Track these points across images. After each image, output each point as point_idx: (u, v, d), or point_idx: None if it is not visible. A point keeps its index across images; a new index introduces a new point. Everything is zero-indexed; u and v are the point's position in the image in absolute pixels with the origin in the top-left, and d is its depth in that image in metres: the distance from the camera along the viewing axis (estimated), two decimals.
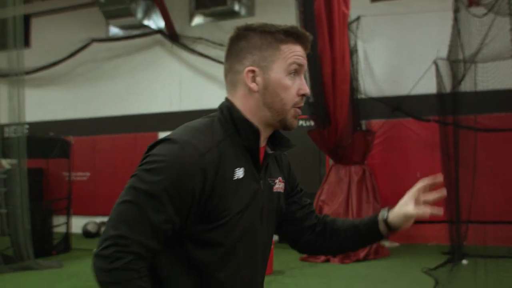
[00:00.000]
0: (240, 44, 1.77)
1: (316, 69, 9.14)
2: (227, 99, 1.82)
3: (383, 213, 1.94)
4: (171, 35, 13.39)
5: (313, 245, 2.05)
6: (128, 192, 1.61)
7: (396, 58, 11.38)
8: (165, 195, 1.57)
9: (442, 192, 1.80)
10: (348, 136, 9.57)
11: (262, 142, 1.82)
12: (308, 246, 2.07)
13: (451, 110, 9.33)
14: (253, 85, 1.75)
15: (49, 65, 14.26)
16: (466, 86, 9.00)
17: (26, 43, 14.28)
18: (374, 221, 1.95)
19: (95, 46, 14.06)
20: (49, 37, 14.94)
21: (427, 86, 10.26)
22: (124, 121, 13.94)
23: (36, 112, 13.90)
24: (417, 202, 1.88)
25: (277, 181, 1.90)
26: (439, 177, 1.79)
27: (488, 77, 8.84)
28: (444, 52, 9.73)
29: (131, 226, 1.55)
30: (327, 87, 9.16)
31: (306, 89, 1.80)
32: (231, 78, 1.81)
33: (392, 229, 1.93)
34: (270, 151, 1.85)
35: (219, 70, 13.38)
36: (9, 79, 9.84)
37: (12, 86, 9.72)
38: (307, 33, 1.80)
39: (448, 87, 9.59)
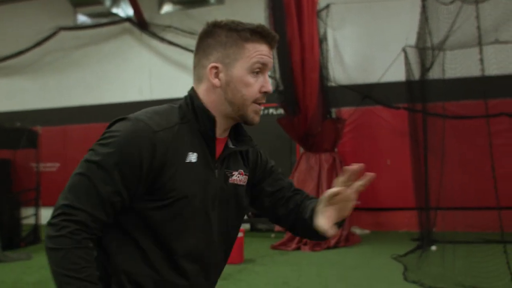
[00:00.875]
0: (208, 40, 1.83)
1: (285, 57, 9.11)
2: (192, 88, 1.89)
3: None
4: (140, 23, 13.24)
5: (291, 231, 2.12)
6: (81, 165, 1.68)
7: (366, 46, 11.41)
8: (115, 167, 1.65)
9: (367, 178, 1.78)
10: (318, 124, 9.57)
11: (223, 134, 1.89)
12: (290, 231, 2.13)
13: (420, 98, 9.38)
14: (215, 81, 1.81)
15: (16, 54, 14.00)
16: (435, 73, 9.06)
17: None
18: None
19: (63, 34, 13.82)
20: (15, 25, 14.66)
21: (397, 73, 10.30)
22: (95, 110, 13.76)
23: (4, 102, 13.69)
24: (331, 206, 1.85)
25: (235, 173, 1.93)
26: (358, 167, 1.77)
27: (456, 65, 8.90)
28: (413, 40, 9.75)
29: (79, 197, 1.63)
30: (297, 75, 9.14)
31: (269, 87, 1.84)
32: (197, 72, 1.87)
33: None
34: (231, 145, 1.93)
35: (189, 58, 13.22)
36: None
37: None
38: (273, 32, 1.84)
39: (416, 75, 9.62)
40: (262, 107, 1.89)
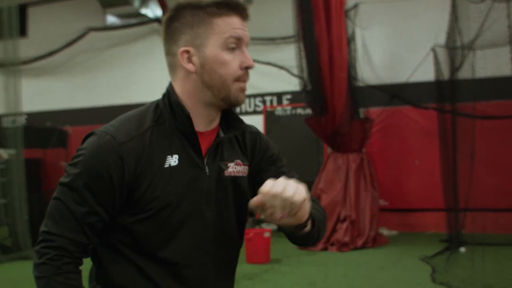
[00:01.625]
0: (173, 25, 1.71)
1: (313, 56, 9.09)
2: (169, 83, 1.81)
3: None
4: None
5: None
6: (57, 189, 1.64)
7: (394, 45, 11.31)
8: (85, 187, 1.58)
9: None
10: (346, 124, 9.52)
11: (210, 125, 1.76)
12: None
13: (449, 98, 9.27)
14: (189, 66, 1.70)
15: (46, 55, 14.18)
16: (464, 73, 8.94)
17: (23, 33, 14.27)
18: None
19: (92, 35, 13.98)
20: (46, 26, 14.85)
21: (426, 73, 10.20)
22: (123, 110, 13.44)
23: (34, 102, 13.85)
24: None
25: (231, 164, 1.79)
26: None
27: (486, 64, 8.77)
28: (442, 39, 9.66)
29: (56, 222, 1.59)
30: (325, 74, 9.10)
31: (250, 61, 1.71)
32: (169, 62, 1.79)
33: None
34: (222, 134, 1.79)
35: None
36: (5, 69, 9.80)
37: (9, 76, 9.68)
38: (241, 2, 1.70)
39: (446, 74, 9.52)
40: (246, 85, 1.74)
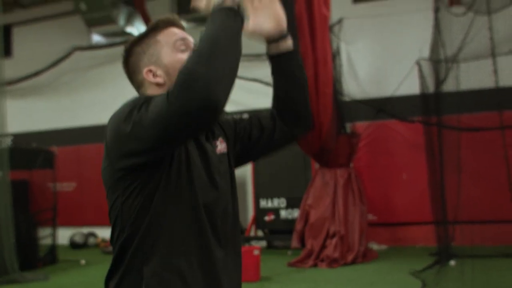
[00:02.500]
0: (130, 61, 1.92)
1: None
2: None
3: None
4: None
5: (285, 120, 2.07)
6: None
7: (379, 60, 11.38)
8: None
9: None
10: (332, 139, 9.53)
11: None
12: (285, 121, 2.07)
13: (435, 110, 9.33)
14: (158, 79, 1.85)
15: (31, 75, 14.13)
16: (449, 85, 9.01)
17: (8, 53, 14.22)
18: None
19: (78, 54, 13.95)
20: (31, 46, 14.83)
21: (411, 86, 10.25)
22: None
23: (20, 123, 13.78)
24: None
25: (217, 142, 1.94)
26: None
27: (470, 76, 8.84)
28: (426, 52, 9.72)
29: None
30: (310, 90, 9.10)
31: None
32: (139, 88, 1.94)
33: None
34: None
35: None
36: None
37: None
38: (171, 15, 1.92)
39: (431, 87, 9.59)
40: None
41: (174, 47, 1.86)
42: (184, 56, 1.82)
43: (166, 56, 1.85)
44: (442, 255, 8.59)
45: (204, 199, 1.75)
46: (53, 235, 10.89)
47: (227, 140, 1.99)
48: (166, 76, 1.84)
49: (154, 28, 1.88)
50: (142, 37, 1.89)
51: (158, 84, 1.85)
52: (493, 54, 8.12)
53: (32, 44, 14.84)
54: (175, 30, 1.90)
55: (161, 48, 1.86)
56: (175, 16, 1.93)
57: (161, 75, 1.85)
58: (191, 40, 1.90)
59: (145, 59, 1.87)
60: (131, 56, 1.90)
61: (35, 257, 10.36)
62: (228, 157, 1.95)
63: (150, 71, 1.86)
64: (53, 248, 10.78)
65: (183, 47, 1.86)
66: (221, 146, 1.94)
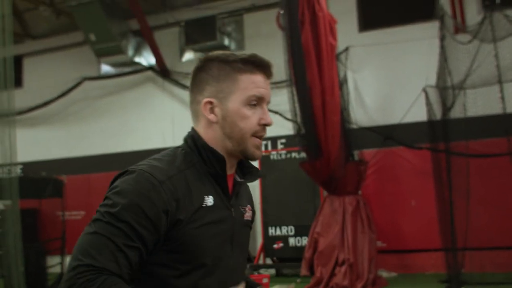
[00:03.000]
0: (201, 75, 1.79)
1: (306, 101, 9.16)
2: (192, 129, 1.85)
3: None
4: (162, 71, 13.45)
5: None
6: (91, 224, 1.59)
7: (386, 87, 11.44)
8: (128, 222, 1.55)
9: None
10: (340, 166, 9.53)
11: (230, 170, 1.81)
12: None
13: (442, 137, 9.34)
14: (211, 116, 1.76)
15: (41, 105, 14.28)
16: (456, 112, 9.04)
17: (18, 83, 14.40)
18: None
19: (87, 84, 14.11)
20: (41, 76, 14.99)
21: (418, 113, 10.28)
22: (118, 158, 13.89)
23: (30, 152, 13.85)
24: None
25: (247, 209, 1.89)
26: None
27: (478, 103, 8.88)
28: (433, 80, 9.77)
29: (93, 255, 1.54)
30: (318, 118, 9.16)
31: (268, 119, 1.77)
32: (194, 109, 1.84)
33: None
34: (239, 179, 1.85)
35: None
36: (0, 120, 9.82)
37: (3, 127, 9.69)
38: (267, 60, 1.78)
39: (438, 114, 9.61)
40: (263, 141, 1.82)
41: (247, 99, 1.74)
42: (249, 113, 1.74)
43: (234, 102, 1.74)
44: (453, 282, 8.52)
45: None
46: (62, 264, 10.90)
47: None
48: (221, 119, 1.75)
49: (244, 62, 1.75)
50: (228, 60, 1.76)
51: (210, 122, 1.77)
52: (500, 81, 8.16)
53: (42, 74, 15.01)
54: (260, 80, 1.76)
55: (235, 90, 1.74)
56: (270, 65, 1.78)
57: (218, 115, 1.75)
58: (268, 98, 1.78)
59: (213, 87, 1.76)
60: (205, 71, 1.79)
61: (44, 285, 10.34)
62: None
63: (210, 103, 1.76)
64: (62, 277, 10.74)
65: (254, 102, 1.74)
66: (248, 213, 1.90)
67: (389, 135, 10.75)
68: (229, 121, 1.74)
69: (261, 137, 1.79)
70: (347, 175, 9.61)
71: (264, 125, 1.77)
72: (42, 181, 10.97)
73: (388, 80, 11.43)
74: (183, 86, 13.16)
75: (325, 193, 10.18)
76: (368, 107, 11.45)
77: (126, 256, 1.55)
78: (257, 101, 1.75)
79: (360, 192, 10.11)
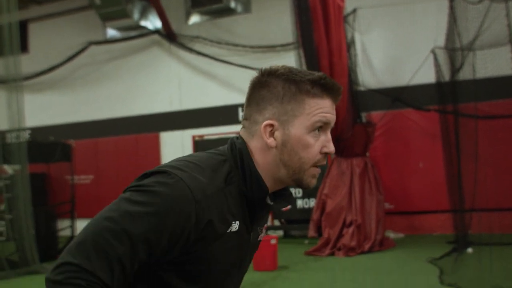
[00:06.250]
0: (262, 92, 1.60)
1: (313, 63, 9.11)
2: (242, 141, 1.64)
3: None
4: (169, 35, 13.37)
5: None
6: (101, 222, 1.42)
7: (394, 49, 11.34)
8: (142, 236, 1.41)
9: None
10: (348, 128, 9.54)
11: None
12: None
13: (451, 99, 9.28)
14: (270, 141, 1.58)
15: (48, 70, 14.27)
16: (465, 74, 8.95)
17: (24, 48, 14.36)
18: None
19: (93, 49, 14.06)
20: (47, 41, 14.95)
21: (426, 75, 10.24)
22: (125, 122, 13.93)
23: (37, 117, 13.92)
24: None
25: (263, 229, 1.76)
26: None
27: (487, 64, 8.78)
28: (441, 41, 9.68)
29: (90, 257, 1.39)
30: None
31: (331, 147, 1.61)
32: (249, 125, 1.64)
33: None
34: (270, 202, 1.65)
35: (217, 68, 13.23)
36: (7, 86, 9.84)
37: (11, 92, 9.71)
38: (338, 84, 1.61)
39: (447, 76, 9.54)
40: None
41: (312, 125, 1.56)
42: (312, 141, 1.57)
43: (298, 128, 1.56)
44: (460, 242, 8.58)
45: None
46: (72, 227, 11.03)
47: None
48: (281, 144, 1.58)
49: (313, 84, 1.57)
50: (295, 80, 1.57)
51: (268, 146, 1.59)
52: (511, 41, 8.05)
53: (48, 40, 14.97)
54: (328, 105, 1.57)
55: (299, 115, 1.56)
56: (341, 89, 1.61)
57: (278, 139, 1.57)
58: (333, 124, 1.61)
59: (276, 108, 1.58)
60: (268, 88, 1.60)
61: (54, 248, 10.49)
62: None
63: (271, 126, 1.57)
64: (72, 240, 10.88)
65: (318, 129, 1.57)
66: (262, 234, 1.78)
67: (397, 97, 10.71)
68: (289, 148, 1.57)
69: (320, 166, 1.63)
70: (355, 137, 9.62)
71: (326, 154, 1.61)
72: (50, 145, 11.03)
73: (396, 41, 11.32)
74: (190, 50, 13.09)
75: (332, 155, 10.20)
76: (376, 69, 11.38)
77: (123, 269, 1.41)
78: (322, 127, 1.59)
79: (368, 154, 10.13)
